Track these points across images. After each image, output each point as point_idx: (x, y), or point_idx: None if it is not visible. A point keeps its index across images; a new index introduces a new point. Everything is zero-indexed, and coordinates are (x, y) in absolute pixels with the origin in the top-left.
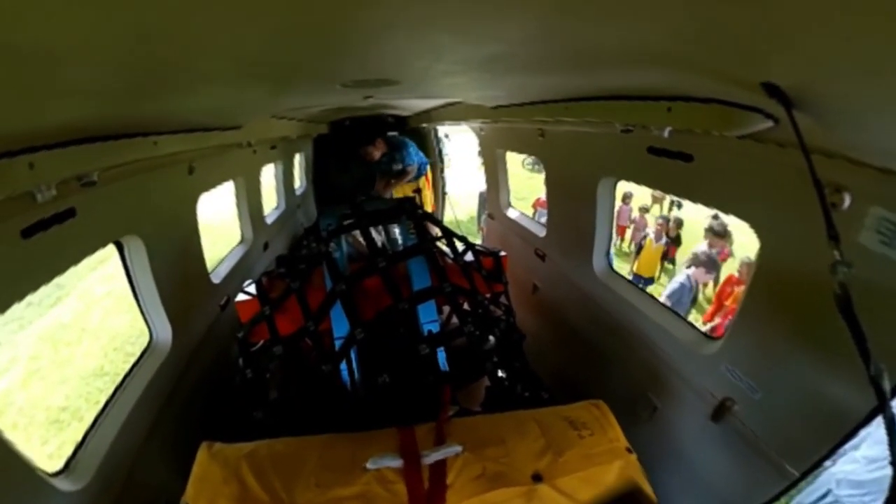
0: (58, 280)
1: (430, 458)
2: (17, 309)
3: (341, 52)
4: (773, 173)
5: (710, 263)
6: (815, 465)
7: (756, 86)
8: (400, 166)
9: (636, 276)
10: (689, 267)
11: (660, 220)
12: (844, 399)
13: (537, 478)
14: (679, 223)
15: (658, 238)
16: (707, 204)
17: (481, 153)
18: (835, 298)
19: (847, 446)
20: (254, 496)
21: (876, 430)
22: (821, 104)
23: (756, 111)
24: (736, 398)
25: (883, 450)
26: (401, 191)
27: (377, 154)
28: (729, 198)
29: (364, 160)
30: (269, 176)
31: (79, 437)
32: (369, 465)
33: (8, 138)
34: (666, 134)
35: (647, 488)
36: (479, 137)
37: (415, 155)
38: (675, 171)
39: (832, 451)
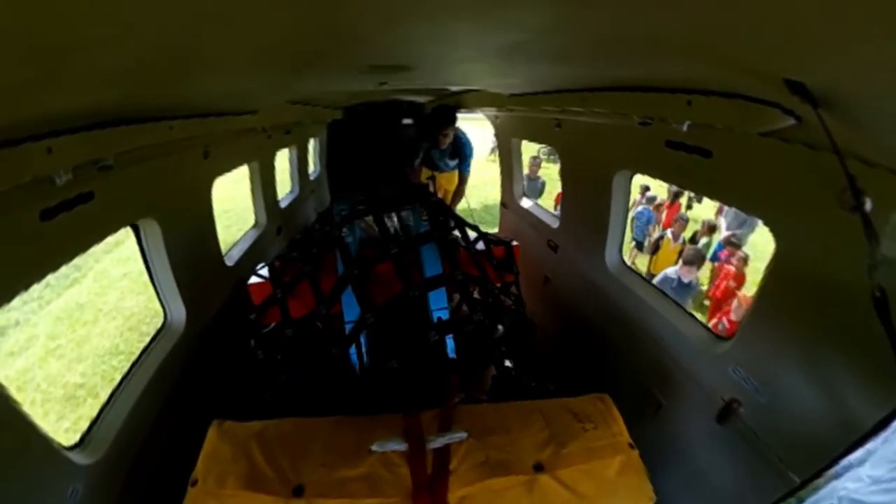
0: (75, 261)
1: (435, 443)
2: (36, 289)
3: (357, 38)
4: (793, 172)
5: (694, 259)
6: (817, 475)
7: (779, 82)
8: (455, 162)
9: (651, 275)
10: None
11: (679, 221)
12: (853, 408)
13: (539, 468)
14: (738, 241)
15: (676, 238)
16: (724, 201)
17: (496, 142)
18: (873, 301)
19: (853, 459)
20: (261, 474)
21: (882, 448)
22: (845, 104)
23: (778, 108)
24: (742, 400)
25: (888, 470)
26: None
27: (447, 142)
28: (747, 195)
29: (382, 145)
30: (283, 161)
31: (94, 413)
32: (375, 448)
33: (26, 124)
34: (685, 128)
35: (647, 485)
36: (494, 126)
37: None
38: (693, 166)
39: (835, 460)
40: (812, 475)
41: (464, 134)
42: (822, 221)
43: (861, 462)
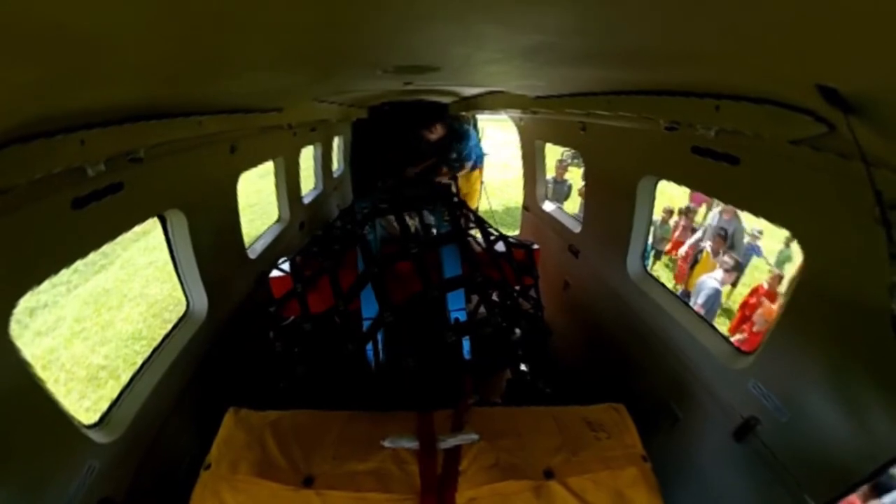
0: (103, 248)
1: (447, 443)
2: (64, 273)
3: (383, 38)
4: (825, 183)
5: (734, 267)
6: (834, 500)
7: (811, 87)
8: (455, 155)
9: (686, 292)
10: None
11: (717, 235)
12: (878, 433)
13: (549, 474)
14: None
15: (715, 254)
16: (751, 211)
17: (521, 144)
18: (892, 322)
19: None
20: (274, 462)
21: None
22: (881, 111)
23: (811, 115)
24: (761, 418)
25: None
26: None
27: (433, 137)
28: (775, 206)
29: (405, 144)
30: (307, 157)
31: (115, 395)
32: (386, 444)
33: (61, 116)
34: (712, 134)
35: (659, 499)
36: (518, 128)
37: (475, 149)
38: (719, 173)
39: (854, 486)
40: (829, 500)
41: (460, 125)
42: (854, 235)
43: (888, 489)
